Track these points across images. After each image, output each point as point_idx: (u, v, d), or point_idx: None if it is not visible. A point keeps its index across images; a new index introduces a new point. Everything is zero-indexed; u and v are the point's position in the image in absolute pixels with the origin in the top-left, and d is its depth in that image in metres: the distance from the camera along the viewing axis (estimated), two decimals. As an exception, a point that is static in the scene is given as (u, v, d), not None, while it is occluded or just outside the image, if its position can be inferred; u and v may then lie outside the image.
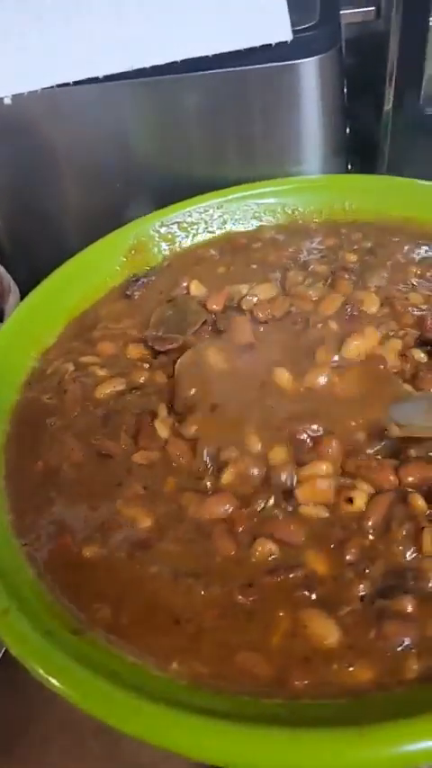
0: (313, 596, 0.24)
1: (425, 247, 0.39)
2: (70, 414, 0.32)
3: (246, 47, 0.36)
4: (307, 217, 0.42)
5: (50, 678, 0.22)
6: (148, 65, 0.36)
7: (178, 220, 0.42)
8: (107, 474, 0.29)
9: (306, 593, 0.24)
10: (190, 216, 0.42)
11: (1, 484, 0.30)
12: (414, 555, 0.24)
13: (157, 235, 0.42)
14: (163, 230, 0.42)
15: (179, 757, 0.31)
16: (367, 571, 0.24)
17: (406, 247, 0.39)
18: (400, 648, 0.22)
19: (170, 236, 0.42)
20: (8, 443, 0.32)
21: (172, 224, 0.42)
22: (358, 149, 0.45)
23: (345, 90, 0.41)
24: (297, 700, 0.22)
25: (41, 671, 0.22)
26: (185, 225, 0.42)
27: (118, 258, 0.40)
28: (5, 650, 0.33)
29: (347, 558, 0.25)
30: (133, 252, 0.41)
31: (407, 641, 0.22)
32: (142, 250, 0.41)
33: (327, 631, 0.23)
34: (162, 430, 0.30)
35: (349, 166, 0.45)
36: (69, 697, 0.22)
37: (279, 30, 0.34)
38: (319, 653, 0.23)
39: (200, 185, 0.43)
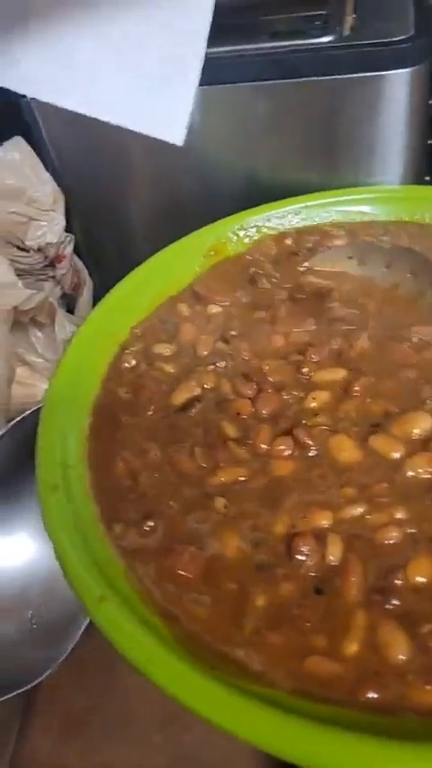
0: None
1: None
2: (143, 412, 0.33)
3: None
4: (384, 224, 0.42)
5: (148, 668, 0.22)
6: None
7: (257, 224, 0.42)
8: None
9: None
10: (269, 221, 0.42)
11: (86, 473, 0.30)
12: None
13: (235, 237, 0.42)
14: (241, 233, 0.42)
15: (245, 755, 0.31)
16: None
17: None
18: None
19: (247, 240, 0.42)
20: (91, 435, 0.32)
21: (251, 227, 0.42)
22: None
23: (430, 102, 0.41)
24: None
25: (138, 660, 0.22)
26: (264, 229, 0.42)
27: (197, 258, 0.41)
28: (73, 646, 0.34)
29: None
30: (212, 253, 0.41)
31: None
32: (220, 251, 0.41)
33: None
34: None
35: (427, 178, 0.45)
36: (166, 689, 0.22)
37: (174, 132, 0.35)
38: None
39: (278, 191, 0.43)
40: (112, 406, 0.33)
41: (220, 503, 0.28)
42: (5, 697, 0.32)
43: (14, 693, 0.33)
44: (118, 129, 0.45)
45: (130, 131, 0.45)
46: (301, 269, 0.39)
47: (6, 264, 0.34)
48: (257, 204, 0.43)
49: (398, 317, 0.35)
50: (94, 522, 0.28)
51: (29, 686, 0.33)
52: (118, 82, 0.36)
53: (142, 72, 0.35)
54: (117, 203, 0.47)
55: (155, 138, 0.46)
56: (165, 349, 0.36)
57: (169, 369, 0.35)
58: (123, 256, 0.47)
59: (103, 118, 0.38)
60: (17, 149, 0.39)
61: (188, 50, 0.33)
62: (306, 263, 0.39)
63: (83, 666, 0.34)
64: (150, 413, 0.33)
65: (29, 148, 0.39)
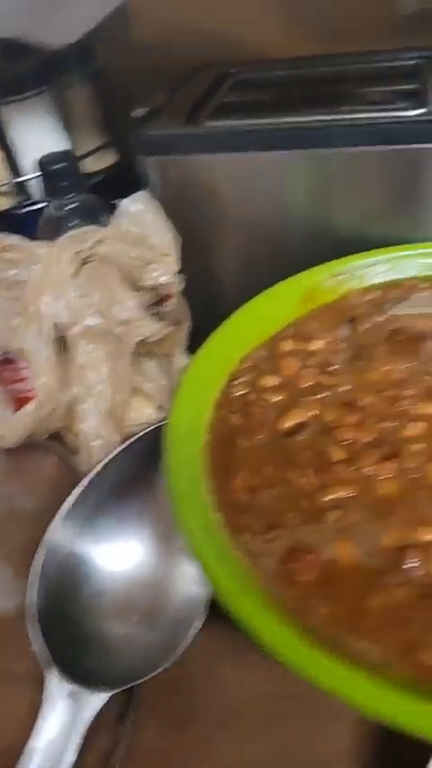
0: None
1: None
2: (255, 436, 0.37)
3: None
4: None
5: (285, 653, 0.26)
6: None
7: (347, 272, 0.46)
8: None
9: None
10: (358, 269, 0.47)
11: (208, 486, 0.34)
12: None
13: (328, 284, 0.46)
14: (333, 279, 0.46)
15: (346, 754, 0.33)
16: None
17: None
18: None
19: (338, 286, 0.46)
20: (209, 453, 0.36)
21: (342, 275, 0.46)
22: None
23: None
24: None
25: (276, 646, 0.26)
26: (355, 277, 0.46)
27: (294, 302, 0.45)
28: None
29: None
30: (307, 298, 0.45)
31: None
32: (314, 297, 0.46)
33: None
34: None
35: None
36: (302, 672, 0.25)
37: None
38: None
39: (368, 244, 0.47)
40: (226, 429, 0.37)
41: (333, 515, 0.31)
42: (114, 692, 0.36)
43: (124, 688, 0.36)
44: (217, 179, 0.51)
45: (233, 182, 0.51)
46: (391, 315, 0.43)
47: (136, 301, 0.39)
48: (346, 255, 0.47)
49: None
50: (221, 529, 0.32)
51: (139, 681, 0.36)
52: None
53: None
54: (211, 249, 0.52)
55: (255, 190, 0.51)
56: (271, 380, 0.40)
57: (276, 398, 0.39)
58: (210, 298, 0.51)
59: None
60: (140, 201, 0.44)
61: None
62: (396, 311, 0.43)
63: (184, 666, 0.37)
64: (261, 436, 0.37)
65: (151, 200, 0.44)
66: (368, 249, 0.47)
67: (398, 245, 0.47)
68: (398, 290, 0.45)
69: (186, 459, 0.35)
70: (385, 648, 0.26)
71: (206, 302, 0.50)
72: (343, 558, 0.30)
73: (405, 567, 0.29)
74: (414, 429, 0.35)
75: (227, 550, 0.30)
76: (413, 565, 0.29)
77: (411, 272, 0.46)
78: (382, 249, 0.47)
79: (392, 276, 0.47)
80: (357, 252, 0.47)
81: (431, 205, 0.47)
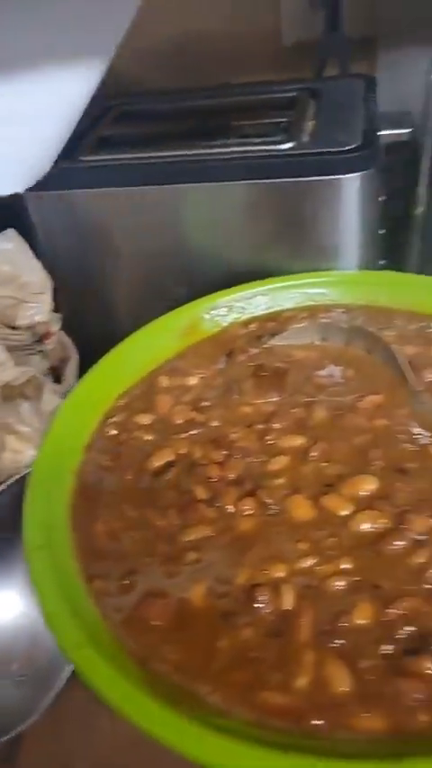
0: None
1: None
2: (122, 477, 0.36)
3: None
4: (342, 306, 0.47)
5: (123, 707, 0.25)
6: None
7: (228, 305, 0.47)
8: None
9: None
10: (239, 301, 0.47)
11: (69, 534, 0.33)
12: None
13: (208, 317, 0.46)
14: (214, 313, 0.46)
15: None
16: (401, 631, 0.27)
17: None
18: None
19: (219, 319, 0.47)
20: (75, 499, 0.35)
21: (222, 308, 0.47)
22: (391, 248, 0.50)
23: (381, 198, 0.46)
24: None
25: (114, 700, 0.25)
26: (235, 309, 0.47)
27: (175, 336, 0.45)
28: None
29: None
30: (189, 332, 0.45)
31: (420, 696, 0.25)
32: (196, 331, 0.46)
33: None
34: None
35: (382, 262, 0.50)
36: (139, 725, 0.24)
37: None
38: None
39: (249, 275, 0.48)
40: (94, 472, 0.37)
41: (190, 557, 0.31)
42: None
43: (-1, 741, 0.35)
44: (98, 212, 0.51)
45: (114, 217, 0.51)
46: (268, 347, 0.43)
47: (-3, 345, 0.38)
48: (231, 285, 0.47)
49: (353, 388, 0.40)
50: (75, 578, 0.31)
51: (12, 734, 0.35)
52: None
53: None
54: (101, 284, 0.52)
55: (137, 224, 0.51)
56: (144, 419, 0.39)
57: (147, 437, 0.38)
58: (106, 333, 0.51)
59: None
60: (10, 240, 0.43)
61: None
62: (273, 342, 0.44)
63: (63, 714, 0.36)
64: (129, 477, 0.36)
65: (20, 239, 0.44)
66: (260, 280, 0.48)
67: (283, 275, 0.48)
68: (275, 321, 0.45)
69: (49, 507, 0.34)
70: (229, 692, 0.26)
71: (103, 336, 0.50)
72: (196, 601, 0.29)
73: (255, 605, 0.29)
74: (277, 463, 0.35)
75: (79, 600, 0.30)
76: (262, 603, 0.29)
77: (289, 304, 0.47)
78: (262, 281, 0.47)
79: (273, 307, 0.47)
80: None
81: (309, 235, 0.48)
